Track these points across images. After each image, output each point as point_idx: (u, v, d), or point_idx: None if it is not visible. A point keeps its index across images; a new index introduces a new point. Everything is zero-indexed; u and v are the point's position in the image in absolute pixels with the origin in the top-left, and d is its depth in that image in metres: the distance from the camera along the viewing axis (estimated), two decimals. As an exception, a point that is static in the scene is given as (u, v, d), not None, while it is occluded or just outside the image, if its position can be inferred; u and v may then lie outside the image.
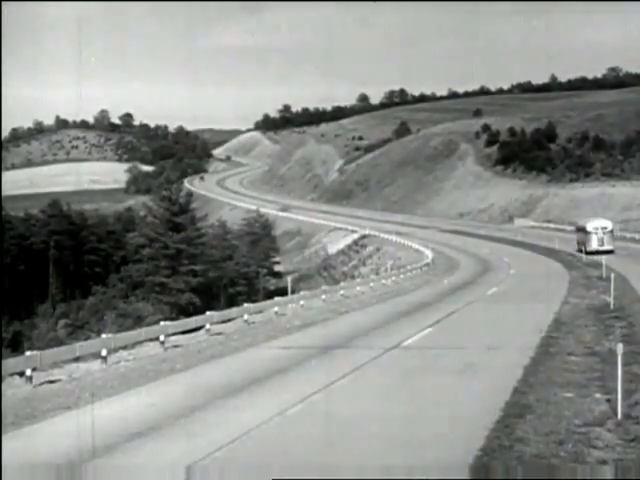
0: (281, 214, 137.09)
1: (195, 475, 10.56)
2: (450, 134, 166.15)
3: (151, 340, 23.75)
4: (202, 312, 29.93)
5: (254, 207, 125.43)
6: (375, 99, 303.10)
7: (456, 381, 17.00)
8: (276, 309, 32.53)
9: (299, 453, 11.52)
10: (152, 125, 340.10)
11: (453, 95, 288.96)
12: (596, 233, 68.38)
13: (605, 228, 69.27)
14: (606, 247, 66.22)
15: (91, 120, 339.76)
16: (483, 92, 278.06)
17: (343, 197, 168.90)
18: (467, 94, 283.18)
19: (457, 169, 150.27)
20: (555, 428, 12.56)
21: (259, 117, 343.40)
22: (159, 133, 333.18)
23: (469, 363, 19.03)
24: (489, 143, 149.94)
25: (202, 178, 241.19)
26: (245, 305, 32.19)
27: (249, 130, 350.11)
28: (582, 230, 70.88)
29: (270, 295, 56.00)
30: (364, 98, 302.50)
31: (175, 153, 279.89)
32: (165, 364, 20.11)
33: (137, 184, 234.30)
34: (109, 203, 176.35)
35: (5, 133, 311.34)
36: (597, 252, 63.59)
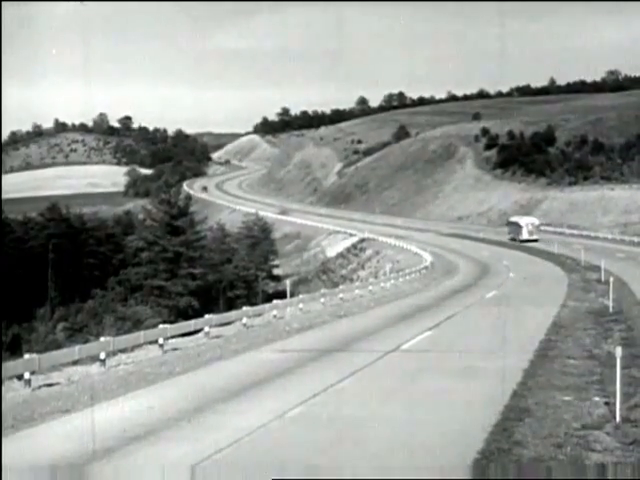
0: (280, 217, 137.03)
1: (194, 478, 10.57)
2: (449, 137, 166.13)
3: (150, 343, 23.74)
4: (201, 315, 29.92)
5: (253, 210, 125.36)
6: (374, 102, 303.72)
7: (455, 384, 17.00)
8: (275, 312, 32.53)
9: (298, 455, 11.53)
10: (151, 128, 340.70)
11: (452, 98, 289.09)
12: (527, 227, 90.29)
13: (533, 223, 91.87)
14: (534, 237, 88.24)
15: (90, 123, 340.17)
16: (482, 95, 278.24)
17: (342, 200, 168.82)
18: (466, 97, 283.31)
19: (456, 172, 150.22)
20: (554, 431, 12.57)
21: (258, 120, 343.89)
22: (158, 136, 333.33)
23: (468, 366, 19.05)
24: (488, 146, 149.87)
25: (205, 189, 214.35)
26: (244, 308, 32.17)
27: (248, 133, 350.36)
28: (516, 224, 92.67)
29: (269, 298, 55.88)
30: (363, 101, 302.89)
31: (174, 156, 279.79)
32: (164, 367, 20.09)
33: (136, 187, 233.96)
34: (108, 206, 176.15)
35: (4, 136, 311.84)
36: (527, 240, 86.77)
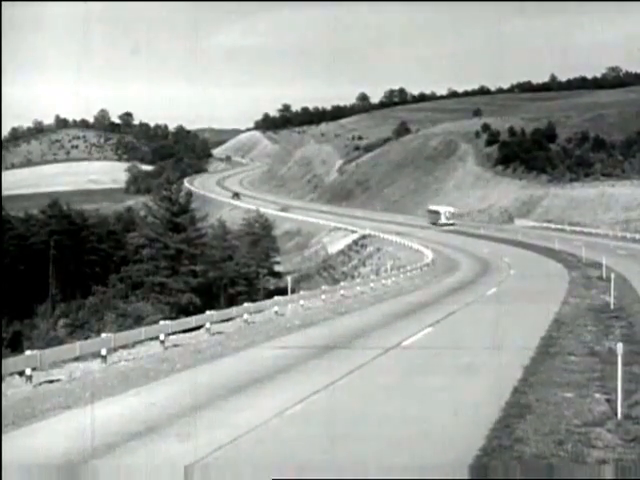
0: (281, 214, 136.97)
1: (194, 475, 10.56)
2: (450, 134, 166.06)
3: (151, 339, 23.74)
4: (202, 312, 29.90)
5: (254, 207, 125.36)
6: (375, 99, 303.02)
7: (456, 381, 17.00)
8: (276, 309, 32.52)
9: (298, 453, 11.52)
10: (152, 125, 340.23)
11: (453, 95, 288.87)
12: (445, 214, 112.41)
13: (450, 211, 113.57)
14: (450, 221, 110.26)
15: (91, 120, 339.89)
16: (483, 92, 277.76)
17: (343, 197, 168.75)
18: (467, 94, 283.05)
19: (457, 169, 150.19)
20: (555, 428, 12.56)
21: (259, 117, 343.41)
22: (159, 133, 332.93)
23: (469, 363, 19.04)
24: (489, 143, 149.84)
25: (237, 195, 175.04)
26: (245, 305, 32.17)
27: (249, 130, 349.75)
28: (436, 212, 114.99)
29: (270, 295, 55.91)
30: (364, 97, 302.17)
31: (175, 153, 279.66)
32: (165, 364, 20.09)
33: (137, 184, 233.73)
34: (109, 203, 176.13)
35: (5, 133, 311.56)
36: (444, 224, 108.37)
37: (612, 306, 30.63)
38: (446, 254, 74.04)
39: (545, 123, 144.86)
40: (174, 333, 24.91)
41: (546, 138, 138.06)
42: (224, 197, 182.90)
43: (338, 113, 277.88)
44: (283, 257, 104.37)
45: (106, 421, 13.56)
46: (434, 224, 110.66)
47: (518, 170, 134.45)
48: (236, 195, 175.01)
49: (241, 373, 18.39)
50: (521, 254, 70.53)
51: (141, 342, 23.78)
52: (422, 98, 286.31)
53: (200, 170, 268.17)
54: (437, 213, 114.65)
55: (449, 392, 15.86)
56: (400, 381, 17.16)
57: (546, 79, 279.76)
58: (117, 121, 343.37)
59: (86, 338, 33.48)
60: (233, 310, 31.66)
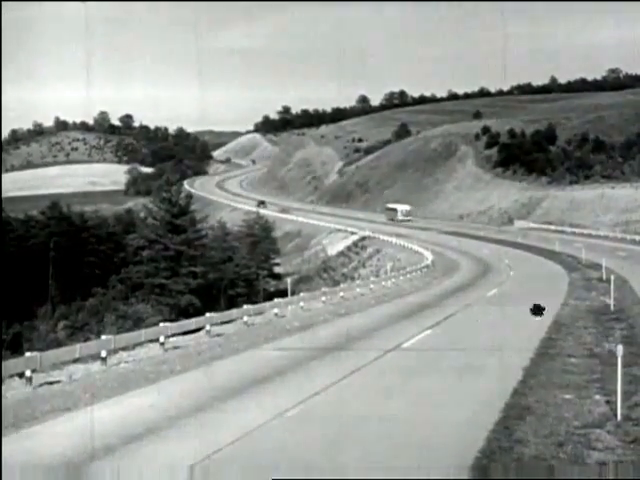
0: (281, 216, 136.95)
1: (195, 476, 10.56)
2: (450, 136, 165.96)
3: (151, 341, 23.74)
4: (202, 314, 29.90)
5: (254, 209, 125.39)
6: (375, 101, 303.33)
7: (456, 382, 17.00)
8: (276, 310, 32.52)
9: (298, 454, 11.52)
10: (152, 127, 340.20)
11: (453, 97, 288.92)
12: (401, 212, 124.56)
13: (406, 209, 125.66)
14: (407, 218, 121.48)
15: (91, 122, 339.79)
16: (483, 94, 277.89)
17: (343, 199, 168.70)
18: (467, 96, 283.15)
19: (457, 171, 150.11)
20: (555, 430, 12.57)
21: (259, 119, 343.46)
22: (159, 135, 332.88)
23: (469, 365, 19.04)
24: (489, 145, 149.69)
25: (263, 204, 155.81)
26: (245, 307, 32.17)
27: (249, 132, 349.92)
28: (393, 210, 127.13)
29: (270, 296, 55.85)
30: (364, 100, 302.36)
31: (175, 155, 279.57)
32: (165, 365, 20.10)
33: (137, 186, 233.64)
34: (109, 205, 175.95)
35: (5, 135, 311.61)
36: (401, 221, 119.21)
37: (612, 308, 30.63)
38: (446, 256, 73.99)
39: (545, 125, 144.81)
40: (174, 335, 24.92)
41: (546, 140, 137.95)
42: (224, 199, 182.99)
43: (338, 115, 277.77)
44: (283, 259, 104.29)
45: (106, 423, 13.56)
46: (392, 220, 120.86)
47: (518, 172, 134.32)
48: (262, 203, 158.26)
49: (241, 375, 18.39)
50: (521, 256, 70.49)
51: (141, 344, 23.78)
52: (422, 100, 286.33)
53: (200, 172, 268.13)
54: (394, 210, 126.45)
55: (449, 393, 15.87)
56: (400, 382, 17.16)
57: (546, 81, 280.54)
58: (117, 123, 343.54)
59: (86, 340, 33.45)
60: (233, 312, 31.67)
